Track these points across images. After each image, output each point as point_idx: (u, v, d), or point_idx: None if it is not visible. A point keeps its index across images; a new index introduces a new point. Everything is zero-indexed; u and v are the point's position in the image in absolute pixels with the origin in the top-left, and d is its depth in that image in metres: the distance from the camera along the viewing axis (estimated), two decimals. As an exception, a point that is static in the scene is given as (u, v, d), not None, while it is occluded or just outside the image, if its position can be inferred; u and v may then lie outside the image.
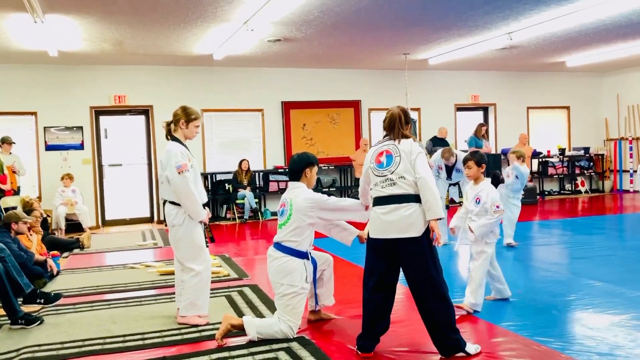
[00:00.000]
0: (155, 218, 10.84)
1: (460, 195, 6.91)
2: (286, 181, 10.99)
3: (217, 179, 11.00)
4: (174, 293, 4.43)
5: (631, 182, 13.26)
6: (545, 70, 13.02)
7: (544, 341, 3.51)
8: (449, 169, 6.86)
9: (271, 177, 11.21)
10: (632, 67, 12.86)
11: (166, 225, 4.19)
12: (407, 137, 3.36)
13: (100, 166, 10.69)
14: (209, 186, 10.83)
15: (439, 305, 3.23)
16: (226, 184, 10.86)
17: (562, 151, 13.18)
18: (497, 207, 4.18)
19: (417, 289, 3.28)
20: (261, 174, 11.26)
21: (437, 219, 3.23)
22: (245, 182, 10.56)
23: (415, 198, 3.25)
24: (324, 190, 11.44)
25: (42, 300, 4.73)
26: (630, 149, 13.21)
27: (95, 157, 10.47)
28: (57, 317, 4.47)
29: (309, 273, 3.76)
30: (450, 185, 6.99)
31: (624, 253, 6.45)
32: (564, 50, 10.44)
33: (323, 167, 11.55)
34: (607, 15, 7.72)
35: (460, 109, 12.86)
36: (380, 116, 11.96)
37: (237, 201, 10.51)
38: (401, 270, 3.35)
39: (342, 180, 11.88)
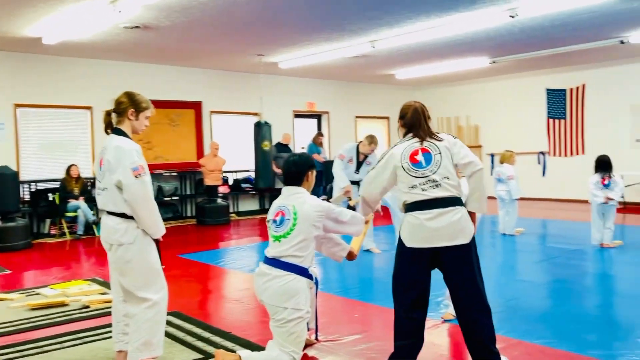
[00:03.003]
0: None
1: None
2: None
3: (38, 188, 9.20)
4: (72, 333, 3.44)
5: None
6: (374, 82, 13.78)
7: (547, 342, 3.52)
8: (359, 163, 6.67)
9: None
10: (442, 83, 14.32)
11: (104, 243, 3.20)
12: (433, 134, 3.05)
13: None
14: (27, 196, 9.01)
15: (485, 317, 2.95)
16: (50, 194, 9.15)
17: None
18: None
19: (462, 299, 2.97)
20: (92, 181, 9.75)
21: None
22: (76, 192, 9.01)
23: (459, 201, 2.97)
24: (165, 199, 10.39)
25: None
26: (441, 157, 14.66)
27: None
28: None
29: (312, 294, 3.20)
30: (351, 182, 6.67)
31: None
32: (402, 63, 11.11)
33: (164, 174, 10.48)
34: (450, 34, 8.37)
35: (297, 115, 12.86)
36: (223, 119, 11.61)
37: (67, 214, 8.90)
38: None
39: (182, 188, 10.92)
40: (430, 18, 7.34)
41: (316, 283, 3.31)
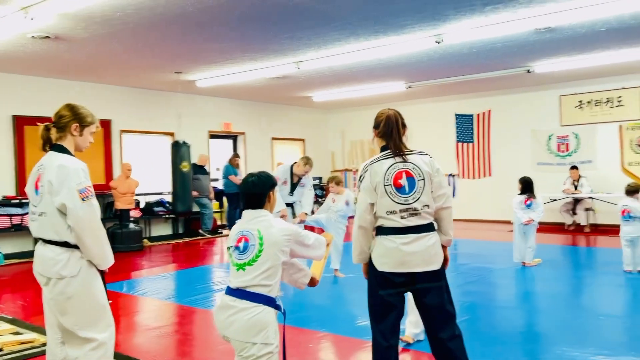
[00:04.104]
0: None
1: (294, 215, 6.53)
2: (21, 215, 8.86)
3: None
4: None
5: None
6: (291, 104, 13.72)
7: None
8: (294, 184, 6.48)
9: (0, 211, 8.84)
10: (357, 106, 14.56)
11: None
12: (406, 148, 2.94)
13: None
14: None
15: (458, 343, 2.89)
16: None
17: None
18: None
19: (435, 323, 2.88)
20: (-14, 206, 8.78)
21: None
22: (-32, 217, 8.06)
23: (433, 226, 2.91)
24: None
25: None
26: (354, 179, 14.84)
27: None
28: None
29: (279, 327, 2.96)
30: (286, 204, 6.48)
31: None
32: (321, 85, 11.14)
33: (70, 197, 9.67)
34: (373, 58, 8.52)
35: (213, 136, 12.48)
36: (134, 139, 10.95)
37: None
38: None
39: (89, 212, 10.11)
40: (358, 41, 7.38)
41: (284, 314, 3.07)
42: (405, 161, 2.88)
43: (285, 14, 6.16)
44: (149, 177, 10.86)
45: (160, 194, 11.20)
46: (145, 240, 10.35)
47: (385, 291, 2.86)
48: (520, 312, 5.14)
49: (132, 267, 8.06)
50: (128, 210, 9.71)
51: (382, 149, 2.96)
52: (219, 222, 12.08)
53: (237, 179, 11.88)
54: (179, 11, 5.94)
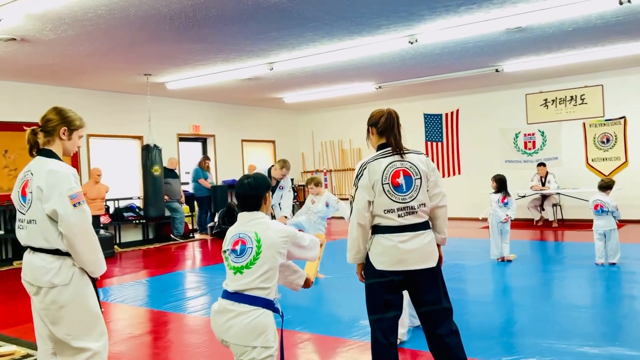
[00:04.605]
0: None
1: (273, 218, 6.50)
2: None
3: None
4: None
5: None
6: (261, 106, 13.64)
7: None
8: (273, 188, 6.42)
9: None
10: (327, 107, 14.57)
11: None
12: (405, 148, 2.95)
13: None
14: None
15: (456, 339, 2.91)
16: None
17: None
18: None
19: (433, 320, 2.90)
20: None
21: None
22: None
23: (429, 224, 2.94)
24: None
25: None
26: (325, 179, 14.86)
27: None
28: None
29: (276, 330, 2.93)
30: None
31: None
32: (292, 87, 11.11)
33: (36, 204, 9.38)
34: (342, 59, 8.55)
35: (182, 139, 12.29)
36: (102, 143, 10.66)
37: None
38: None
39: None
40: (333, 42, 7.39)
41: (282, 316, 3.04)
42: (402, 160, 2.89)
43: (260, 14, 6.11)
44: (117, 181, 10.63)
45: (130, 199, 10.98)
46: (115, 247, 10.13)
47: (384, 289, 2.86)
48: (501, 307, 5.22)
49: (105, 274, 7.83)
50: (98, 217, 9.48)
51: (379, 148, 2.95)
52: (190, 227, 11.92)
53: (207, 183, 11.76)
54: (152, 12, 5.83)
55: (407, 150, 2.94)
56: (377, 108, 3.08)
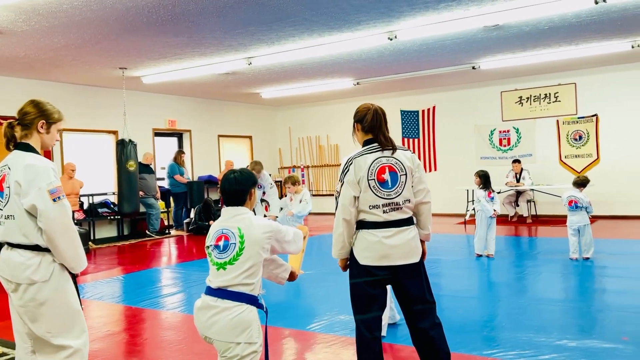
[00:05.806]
0: None
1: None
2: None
3: None
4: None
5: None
6: (238, 101, 13.54)
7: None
8: None
9: None
10: (305, 103, 14.53)
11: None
12: (394, 144, 2.96)
13: None
14: None
15: (439, 332, 2.94)
16: None
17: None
18: None
19: (416, 314, 2.92)
20: None
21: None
22: None
23: (412, 220, 2.96)
24: None
25: None
26: (303, 175, 14.84)
27: None
28: None
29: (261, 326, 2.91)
30: None
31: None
32: (270, 82, 11.05)
33: (7, 200, 9.16)
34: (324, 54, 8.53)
35: (158, 134, 12.14)
36: (75, 138, 10.44)
37: None
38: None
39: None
40: (312, 37, 7.37)
41: (266, 312, 3.02)
42: (388, 156, 2.89)
43: (240, 8, 6.05)
44: (91, 177, 10.45)
45: (105, 194, 10.81)
46: (90, 243, 9.96)
47: (368, 284, 2.87)
48: (480, 302, 5.28)
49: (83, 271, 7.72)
50: (72, 213, 9.29)
51: (365, 143, 2.95)
52: (165, 223, 11.79)
53: (183, 179, 11.65)
54: (130, 4, 5.74)
55: (396, 146, 2.94)
56: (355, 104, 3.09)
